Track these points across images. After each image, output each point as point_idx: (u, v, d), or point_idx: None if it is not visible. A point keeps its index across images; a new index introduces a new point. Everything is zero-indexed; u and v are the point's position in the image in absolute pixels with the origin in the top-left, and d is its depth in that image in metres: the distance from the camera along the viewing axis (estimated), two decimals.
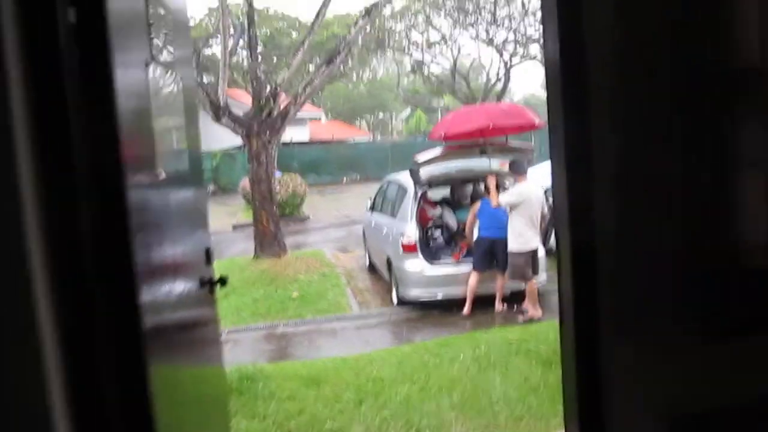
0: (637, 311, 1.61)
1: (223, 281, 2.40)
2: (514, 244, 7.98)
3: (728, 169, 1.50)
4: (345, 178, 37.28)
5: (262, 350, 7.90)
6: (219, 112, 11.72)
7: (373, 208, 11.49)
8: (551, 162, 1.59)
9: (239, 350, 7.92)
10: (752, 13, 1.49)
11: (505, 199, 8.04)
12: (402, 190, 9.77)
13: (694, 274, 1.54)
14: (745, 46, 1.51)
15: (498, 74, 41.50)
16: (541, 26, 1.49)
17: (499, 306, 8.46)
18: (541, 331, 6.72)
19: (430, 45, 40.50)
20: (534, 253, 8.16)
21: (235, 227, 20.28)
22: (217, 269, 10.36)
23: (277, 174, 22.57)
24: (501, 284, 8.42)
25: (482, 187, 8.93)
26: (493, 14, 34.45)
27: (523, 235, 7.93)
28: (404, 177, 9.70)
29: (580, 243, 1.57)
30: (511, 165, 8.20)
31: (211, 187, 35.48)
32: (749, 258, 1.51)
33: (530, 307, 8.01)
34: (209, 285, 2.38)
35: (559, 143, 1.47)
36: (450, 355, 6.38)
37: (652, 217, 1.53)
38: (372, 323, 8.77)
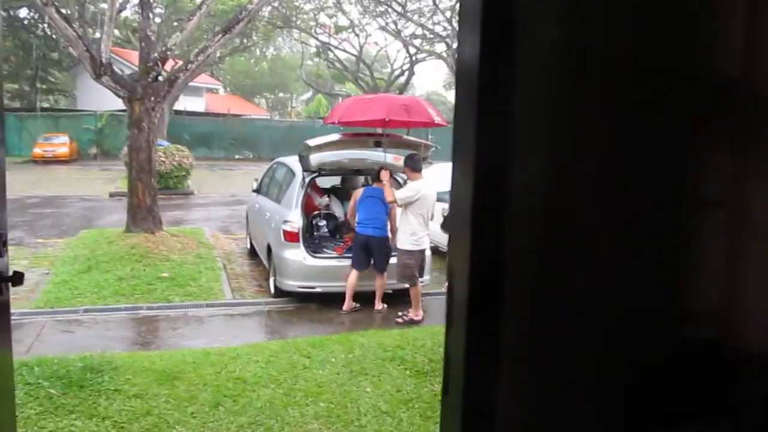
0: (538, 353, 1.20)
1: (17, 278, 1.81)
2: (406, 243, 7.61)
3: (682, 206, 1.11)
4: (237, 155, 36.10)
5: (118, 336, 7.15)
6: (99, 69, 10.68)
7: (258, 190, 10.86)
8: (453, 162, 1.16)
9: (92, 334, 7.15)
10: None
11: (401, 194, 7.63)
12: (290, 174, 9.21)
13: (621, 331, 1.14)
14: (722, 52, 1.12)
15: (402, 68, 41.47)
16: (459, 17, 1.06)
17: (378, 305, 8.09)
18: (418, 338, 6.39)
19: (337, 30, 39.87)
20: (423, 252, 7.86)
21: (112, 195, 19.07)
22: (84, 240, 9.43)
23: (163, 143, 21.45)
24: (380, 284, 8.06)
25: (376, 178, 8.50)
26: (403, 7, 34.24)
27: (417, 234, 7.59)
28: (294, 160, 9.14)
29: (480, 267, 1.14)
30: (407, 160, 7.81)
31: (93, 150, 33.40)
32: (696, 327, 1.13)
33: (412, 310, 7.69)
34: None
35: (466, 145, 1.04)
36: (321, 356, 5.93)
37: (575, 250, 1.12)
38: (244, 312, 8.18)
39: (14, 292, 7.49)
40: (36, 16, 34.45)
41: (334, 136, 8.48)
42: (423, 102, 8.88)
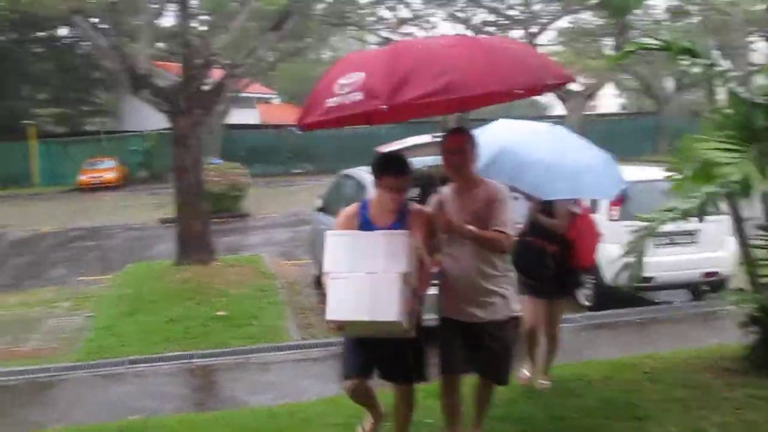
0: None
1: None
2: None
3: None
4: (297, 170, 35.92)
5: (167, 393, 6.58)
6: (137, 82, 10.35)
7: (324, 208, 10.25)
8: None
9: (138, 391, 6.61)
10: None
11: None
12: (359, 188, 8.53)
13: None
14: None
15: None
16: None
17: None
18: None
19: (399, 23, 39.36)
20: None
21: (162, 221, 18.89)
22: (130, 275, 8.98)
23: (216, 161, 21.30)
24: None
25: None
26: None
27: None
28: (363, 172, 8.47)
29: None
30: None
31: (143, 174, 33.83)
32: None
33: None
34: None
35: None
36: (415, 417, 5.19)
37: None
38: (315, 356, 7.52)
39: (54, 342, 7.07)
40: (76, 34, 35.21)
41: (412, 140, 7.73)
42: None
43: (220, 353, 7.58)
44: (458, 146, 4.05)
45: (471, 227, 3.84)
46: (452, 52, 3.54)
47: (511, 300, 4.16)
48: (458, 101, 4.12)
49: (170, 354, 7.59)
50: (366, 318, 3.67)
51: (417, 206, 4.16)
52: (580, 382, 5.62)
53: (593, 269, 8.36)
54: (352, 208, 4.15)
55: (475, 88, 3.40)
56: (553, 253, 5.21)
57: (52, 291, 11.25)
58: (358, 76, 3.36)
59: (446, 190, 4.15)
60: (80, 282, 11.94)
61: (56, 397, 6.54)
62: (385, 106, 3.12)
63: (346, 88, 3.33)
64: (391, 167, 3.93)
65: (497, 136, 5.08)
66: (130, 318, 8.92)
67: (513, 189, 4.98)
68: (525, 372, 5.65)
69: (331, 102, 3.38)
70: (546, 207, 5.28)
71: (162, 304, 9.32)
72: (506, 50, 3.85)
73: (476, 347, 4.11)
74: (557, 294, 5.46)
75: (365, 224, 4.01)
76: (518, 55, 3.94)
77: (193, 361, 7.41)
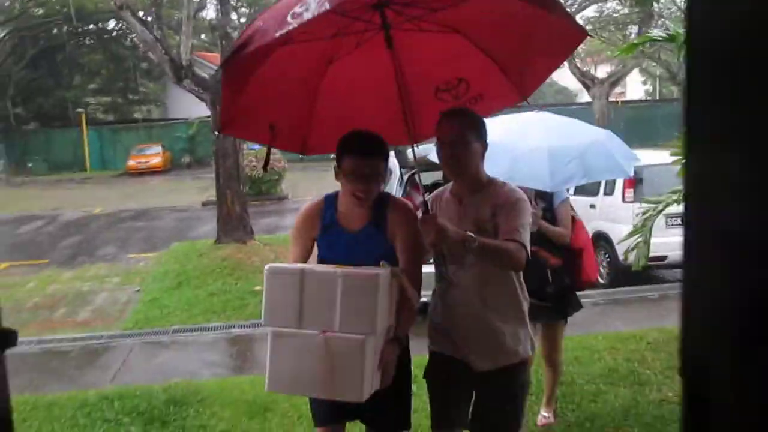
0: None
1: (7, 338, 1.40)
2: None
3: None
4: (332, 154, 36.21)
5: (208, 359, 6.94)
6: (180, 72, 10.69)
7: None
8: None
9: (181, 357, 6.97)
10: None
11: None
12: (389, 172, 8.77)
13: None
14: None
15: None
16: None
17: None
18: None
19: None
20: None
21: (204, 204, 19.35)
22: (175, 253, 9.33)
23: (255, 147, 21.61)
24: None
25: None
26: None
27: None
28: (391, 156, 8.69)
29: None
30: None
31: (186, 159, 34.42)
32: None
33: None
34: None
35: None
36: None
37: None
38: None
39: (105, 313, 7.46)
40: (124, 27, 35.83)
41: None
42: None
43: (256, 324, 7.91)
44: (457, 134, 2.81)
45: (472, 234, 2.60)
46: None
47: (524, 339, 2.93)
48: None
49: (211, 324, 7.96)
50: (323, 396, 2.75)
51: (401, 201, 3.06)
52: (587, 351, 5.82)
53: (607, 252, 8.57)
54: (314, 205, 2.95)
55: None
56: (557, 266, 4.17)
57: (104, 267, 11.72)
58: None
59: (447, 191, 3.03)
60: (129, 259, 12.40)
61: (107, 361, 6.92)
62: None
63: (307, 14, 2.18)
64: (355, 144, 2.76)
65: None
66: (174, 292, 9.31)
67: None
68: (544, 414, 4.64)
69: (281, 31, 2.25)
70: (546, 213, 4.19)
71: (203, 279, 9.70)
72: None
73: (472, 399, 2.97)
74: (556, 315, 4.33)
75: (330, 228, 2.88)
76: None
77: (232, 330, 7.76)
